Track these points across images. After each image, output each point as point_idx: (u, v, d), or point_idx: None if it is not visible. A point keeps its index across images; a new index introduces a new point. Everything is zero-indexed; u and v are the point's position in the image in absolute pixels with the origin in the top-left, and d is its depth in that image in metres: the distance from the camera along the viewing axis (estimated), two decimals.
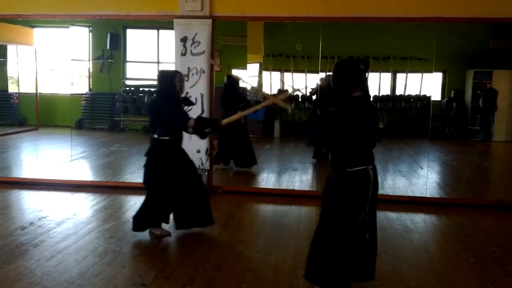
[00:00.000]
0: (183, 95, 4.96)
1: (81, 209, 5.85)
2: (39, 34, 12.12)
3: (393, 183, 7.74)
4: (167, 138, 4.77)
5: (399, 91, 11.96)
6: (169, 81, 4.75)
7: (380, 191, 7.07)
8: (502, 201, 6.59)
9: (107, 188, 6.75)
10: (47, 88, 12.54)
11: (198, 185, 5.00)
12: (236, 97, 8.20)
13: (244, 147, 8.22)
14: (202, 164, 6.61)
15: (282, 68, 12.41)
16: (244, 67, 12.07)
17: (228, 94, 8.14)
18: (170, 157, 4.81)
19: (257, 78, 12.29)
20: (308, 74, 12.20)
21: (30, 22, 11.37)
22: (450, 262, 4.44)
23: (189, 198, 4.91)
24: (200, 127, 4.73)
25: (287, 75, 12.42)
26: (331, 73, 3.63)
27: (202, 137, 4.88)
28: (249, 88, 12.08)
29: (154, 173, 4.82)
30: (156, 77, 4.92)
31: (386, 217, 5.90)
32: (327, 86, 8.77)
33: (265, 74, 12.34)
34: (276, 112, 12.12)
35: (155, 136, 4.78)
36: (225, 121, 4.83)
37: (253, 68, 12.30)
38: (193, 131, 4.75)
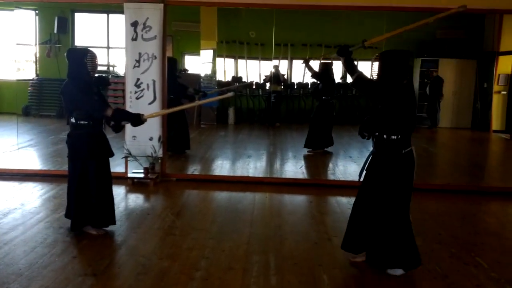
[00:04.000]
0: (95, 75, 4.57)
1: (29, 199, 5.67)
2: None
3: (344, 168, 7.91)
4: (86, 122, 4.43)
5: (350, 79, 12.15)
6: (80, 60, 4.40)
7: (331, 177, 7.33)
8: (447, 185, 6.90)
9: (56, 177, 6.55)
10: None
11: (108, 179, 4.67)
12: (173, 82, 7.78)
13: (180, 133, 8.14)
14: (155, 152, 6.52)
15: (236, 55, 12.37)
16: (198, 53, 11.96)
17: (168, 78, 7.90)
18: (89, 142, 4.46)
19: (211, 64, 12.22)
20: (262, 61, 12.22)
21: None
22: None
23: (97, 193, 4.55)
24: (118, 119, 4.41)
25: (241, 62, 12.40)
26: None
27: (116, 130, 4.51)
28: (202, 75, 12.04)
29: (72, 159, 4.53)
30: (67, 58, 4.53)
31: (337, 202, 6.04)
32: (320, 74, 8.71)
33: (219, 60, 12.27)
34: (230, 99, 12.10)
35: (73, 120, 4.46)
36: (146, 116, 4.52)
37: (206, 54, 12.21)
38: (108, 122, 4.45)
